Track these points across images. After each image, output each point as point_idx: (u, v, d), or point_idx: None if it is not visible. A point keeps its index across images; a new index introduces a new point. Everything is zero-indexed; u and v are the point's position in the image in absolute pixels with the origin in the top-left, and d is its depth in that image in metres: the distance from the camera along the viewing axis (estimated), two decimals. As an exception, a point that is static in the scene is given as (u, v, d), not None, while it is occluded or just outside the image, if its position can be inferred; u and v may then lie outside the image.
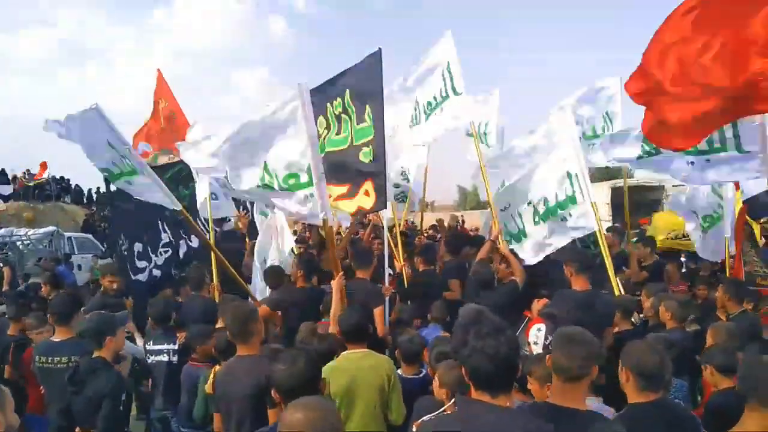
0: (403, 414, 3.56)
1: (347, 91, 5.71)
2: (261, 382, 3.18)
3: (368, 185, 5.46)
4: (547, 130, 6.76)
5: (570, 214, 5.77)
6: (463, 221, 17.77)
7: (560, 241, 6.01)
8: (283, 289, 5.91)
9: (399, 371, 4.04)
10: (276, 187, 5.09)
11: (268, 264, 6.87)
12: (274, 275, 6.06)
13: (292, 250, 7.29)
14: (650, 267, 7.08)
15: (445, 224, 12.10)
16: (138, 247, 7.10)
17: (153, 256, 7.12)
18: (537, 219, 6.13)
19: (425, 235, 12.42)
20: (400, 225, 8.44)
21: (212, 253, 6.27)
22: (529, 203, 6.15)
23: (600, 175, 7.90)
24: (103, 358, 3.77)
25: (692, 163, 5.64)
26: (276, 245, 7.19)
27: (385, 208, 5.67)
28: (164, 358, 4.90)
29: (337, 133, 5.84)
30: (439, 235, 11.76)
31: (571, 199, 5.72)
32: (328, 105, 5.83)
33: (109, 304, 5.53)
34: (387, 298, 5.37)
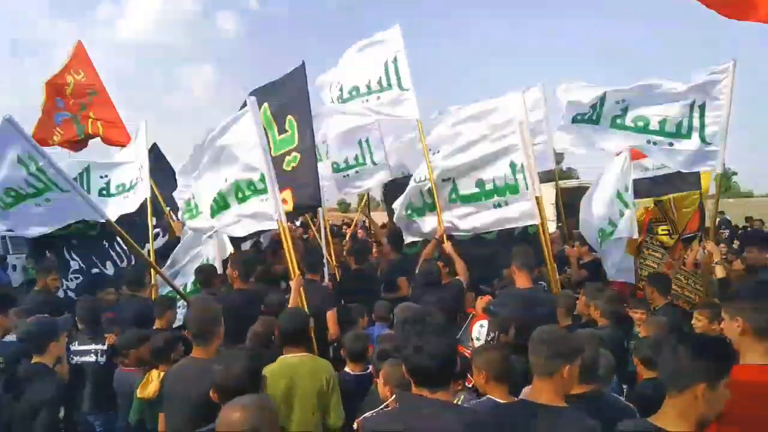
0: (342, 418, 3.56)
1: (265, 105, 5.96)
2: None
3: (287, 194, 5.63)
4: (495, 106, 6.40)
5: (506, 203, 5.84)
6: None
7: (485, 226, 6.12)
8: (219, 291, 5.75)
9: (346, 368, 4.08)
10: (232, 203, 5.33)
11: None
12: (205, 274, 5.92)
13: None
14: (589, 265, 7.31)
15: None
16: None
17: (65, 280, 6.70)
18: (454, 197, 6.18)
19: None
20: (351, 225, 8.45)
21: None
22: (449, 179, 6.21)
23: (546, 176, 8.11)
24: (43, 364, 3.62)
25: (654, 143, 5.94)
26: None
27: (304, 213, 5.78)
28: (91, 358, 4.75)
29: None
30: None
31: (512, 189, 5.77)
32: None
33: (51, 301, 5.43)
34: None
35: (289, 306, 4.57)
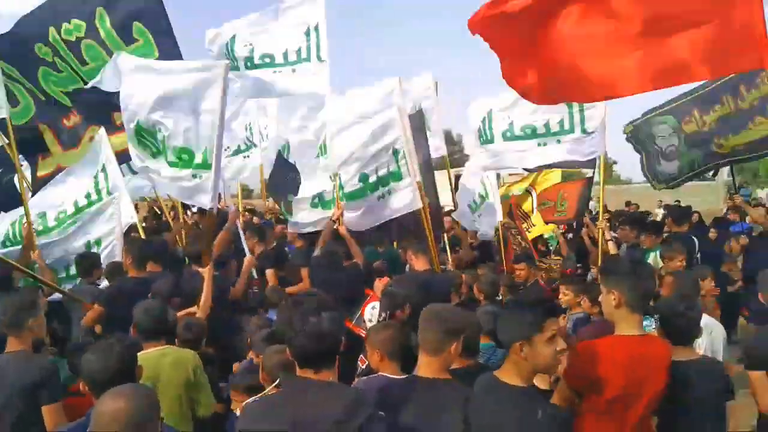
0: (212, 406, 3.47)
1: (99, 10, 5.22)
2: (35, 379, 2.99)
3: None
4: (375, 94, 6.35)
5: (389, 192, 5.93)
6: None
7: (376, 220, 6.23)
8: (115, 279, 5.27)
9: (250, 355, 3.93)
10: (163, 158, 4.80)
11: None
12: (87, 262, 5.47)
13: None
14: (479, 247, 7.69)
15: None
16: None
17: None
18: (341, 194, 6.17)
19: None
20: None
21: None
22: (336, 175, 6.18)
23: (443, 163, 8.42)
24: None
25: (545, 144, 6.31)
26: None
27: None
28: None
29: (84, 64, 5.31)
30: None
31: (395, 176, 5.86)
32: (52, 29, 5.28)
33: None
34: None
35: (203, 294, 4.40)
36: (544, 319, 2.36)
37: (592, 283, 4.99)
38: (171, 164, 4.82)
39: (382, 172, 5.89)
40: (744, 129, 6.39)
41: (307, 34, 6.55)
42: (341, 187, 6.15)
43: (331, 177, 6.32)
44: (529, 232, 7.80)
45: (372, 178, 5.98)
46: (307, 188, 6.77)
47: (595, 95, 4.75)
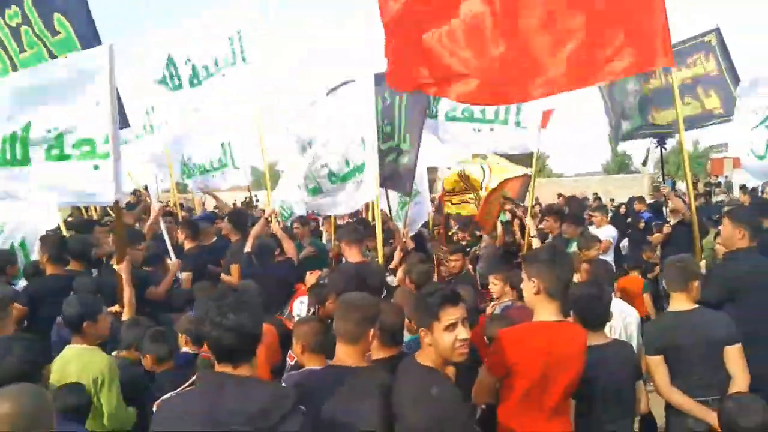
0: (119, 419, 3.25)
1: None
2: None
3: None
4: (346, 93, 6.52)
5: (361, 181, 5.96)
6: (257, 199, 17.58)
7: (347, 207, 6.36)
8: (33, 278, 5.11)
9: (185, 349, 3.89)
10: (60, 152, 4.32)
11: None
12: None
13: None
14: (414, 238, 7.76)
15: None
16: None
17: None
18: (313, 187, 6.28)
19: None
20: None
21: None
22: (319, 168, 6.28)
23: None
24: None
25: (479, 130, 6.40)
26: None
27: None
28: None
29: (23, 51, 5.09)
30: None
31: (359, 169, 5.90)
32: None
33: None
34: None
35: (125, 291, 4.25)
36: (440, 307, 2.42)
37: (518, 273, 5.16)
38: (67, 158, 4.35)
39: (358, 161, 5.89)
40: (671, 106, 6.53)
41: (231, 40, 6.46)
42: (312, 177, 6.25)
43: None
44: (475, 203, 8.01)
45: (351, 166, 5.99)
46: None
47: (509, 98, 4.95)
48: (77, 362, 3.21)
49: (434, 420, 2.32)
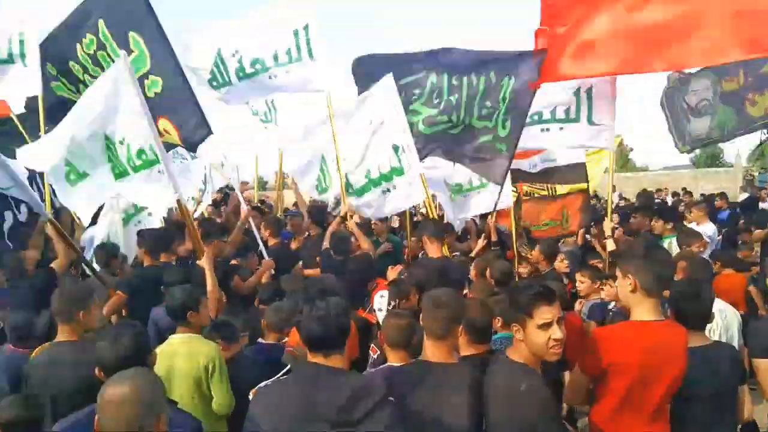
0: (226, 404, 3.33)
1: (100, 22, 5.21)
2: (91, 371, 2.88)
3: (164, 123, 5.05)
4: (372, 99, 6.30)
5: (394, 186, 5.94)
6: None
7: (383, 213, 6.34)
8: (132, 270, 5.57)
9: (261, 340, 3.95)
10: (129, 169, 4.76)
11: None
12: (104, 253, 5.68)
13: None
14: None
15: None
16: None
17: None
18: (351, 191, 6.26)
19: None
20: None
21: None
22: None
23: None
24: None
25: (547, 130, 6.21)
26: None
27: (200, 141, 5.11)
28: None
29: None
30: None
31: (397, 171, 5.86)
32: (78, 47, 5.37)
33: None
34: None
35: (208, 285, 4.35)
36: (534, 305, 2.37)
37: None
38: (136, 168, 4.74)
39: (384, 168, 5.91)
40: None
41: (296, 34, 6.45)
42: (348, 184, 6.23)
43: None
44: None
45: (374, 174, 6.01)
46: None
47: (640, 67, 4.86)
48: (186, 350, 3.34)
49: (524, 416, 2.28)
